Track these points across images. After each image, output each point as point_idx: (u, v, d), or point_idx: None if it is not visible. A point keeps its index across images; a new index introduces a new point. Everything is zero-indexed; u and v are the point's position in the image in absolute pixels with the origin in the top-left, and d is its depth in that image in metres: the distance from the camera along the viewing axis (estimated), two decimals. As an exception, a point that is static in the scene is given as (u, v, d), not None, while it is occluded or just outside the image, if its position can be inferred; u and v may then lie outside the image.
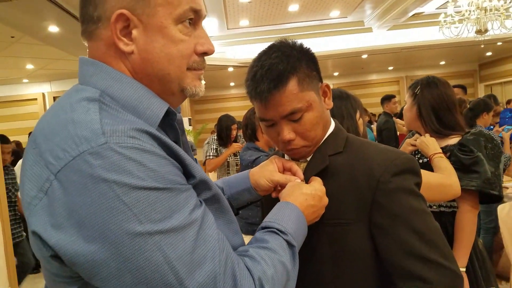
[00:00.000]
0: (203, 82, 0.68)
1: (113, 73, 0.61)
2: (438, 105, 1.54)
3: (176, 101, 0.68)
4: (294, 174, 0.85)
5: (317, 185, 0.79)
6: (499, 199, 1.49)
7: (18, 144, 5.50)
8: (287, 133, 0.80)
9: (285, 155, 0.91)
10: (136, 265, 0.50)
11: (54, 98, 7.93)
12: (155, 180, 0.52)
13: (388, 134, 5.00)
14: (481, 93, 11.40)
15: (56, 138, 0.54)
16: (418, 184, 0.82)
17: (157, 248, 0.51)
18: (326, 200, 0.78)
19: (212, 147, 3.51)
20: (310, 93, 0.80)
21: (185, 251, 0.52)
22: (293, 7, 6.47)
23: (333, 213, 0.80)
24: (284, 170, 0.87)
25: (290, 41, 0.83)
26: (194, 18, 0.64)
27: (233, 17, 6.78)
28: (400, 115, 5.01)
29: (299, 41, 0.83)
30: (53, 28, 4.76)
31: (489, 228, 3.08)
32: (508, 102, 6.66)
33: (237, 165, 3.51)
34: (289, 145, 0.82)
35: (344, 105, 1.40)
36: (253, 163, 2.24)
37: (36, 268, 4.01)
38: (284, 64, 0.78)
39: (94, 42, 0.63)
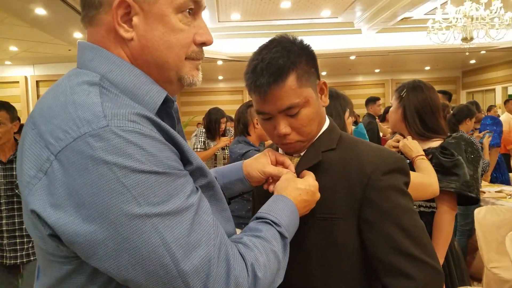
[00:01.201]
0: (200, 72, 0.69)
1: (112, 58, 0.61)
2: (422, 108, 1.59)
3: (173, 90, 0.68)
4: (286, 168, 0.85)
5: (310, 181, 0.80)
6: (476, 202, 1.54)
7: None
8: (283, 127, 0.81)
9: (279, 149, 0.92)
10: (133, 245, 0.51)
11: (37, 82, 7.68)
12: (155, 164, 0.53)
13: (371, 135, 5.09)
14: (463, 99, 11.71)
15: (56, 120, 0.54)
16: (407, 184, 0.84)
17: (155, 230, 0.52)
18: (318, 196, 0.80)
19: (200, 139, 3.49)
20: (308, 89, 0.81)
21: (181, 234, 0.53)
22: (285, 4, 6.47)
23: (324, 208, 0.82)
24: (277, 163, 0.87)
25: (290, 36, 0.83)
26: (194, 8, 0.65)
27: (224, 10, 6.73)
28: (383, 117, 5.11)
29: (299, 38, 0.84)
30: (40, 11, 4.65)
31: (464, 230, 3.17)
32: (489, 109, 6.83)
33: (224, 158, 3.51)
34: (284, 139, 0.83)
35: (333, 104, 1.44)
36: (243, 156, 2.24)
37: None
38: (284, 59, 0.78)
39: (94, 28, 0.63)
